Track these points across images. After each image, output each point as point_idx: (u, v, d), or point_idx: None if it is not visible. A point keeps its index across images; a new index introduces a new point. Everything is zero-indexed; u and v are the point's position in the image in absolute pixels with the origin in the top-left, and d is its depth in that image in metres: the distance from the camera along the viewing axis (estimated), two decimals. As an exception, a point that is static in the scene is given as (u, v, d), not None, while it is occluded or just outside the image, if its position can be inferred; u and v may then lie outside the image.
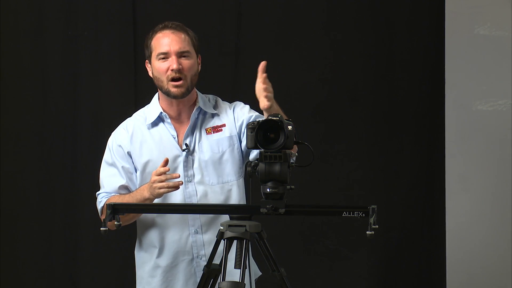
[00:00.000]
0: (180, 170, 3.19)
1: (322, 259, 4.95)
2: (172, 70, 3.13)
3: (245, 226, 2.83)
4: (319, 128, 4.92)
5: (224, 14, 4.86)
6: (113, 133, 3.30)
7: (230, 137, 3.25)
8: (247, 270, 2.85)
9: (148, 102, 4.96)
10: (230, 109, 3.30)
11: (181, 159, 3.20)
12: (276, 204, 2.80)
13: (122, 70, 4.79)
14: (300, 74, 4.93)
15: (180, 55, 3.15)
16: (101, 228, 2.82)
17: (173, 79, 3.15)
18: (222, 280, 2.80)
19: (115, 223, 2.86)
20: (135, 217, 3.22)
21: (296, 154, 2.94)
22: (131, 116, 3.35)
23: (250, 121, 3.10)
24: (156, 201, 3.09)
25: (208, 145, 3.22)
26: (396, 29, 4.96)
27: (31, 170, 4.73)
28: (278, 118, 2.78)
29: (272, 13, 4.90)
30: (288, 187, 2.82)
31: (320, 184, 4.91)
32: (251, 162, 2.84)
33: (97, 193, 3.28)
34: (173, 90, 3.16)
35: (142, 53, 4.72)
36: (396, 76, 4.97)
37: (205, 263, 2.93)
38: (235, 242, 2.83)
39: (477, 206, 4.88)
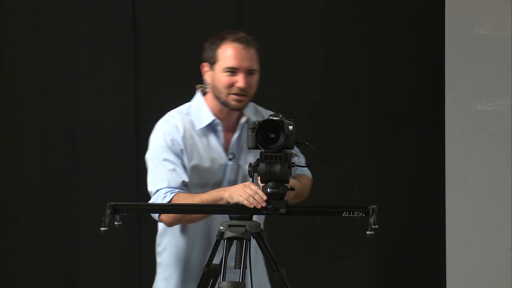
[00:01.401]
0: (226, 179, 3.12)
1: (322, 259, 4.95)
2: (238, 87, 3.05)
3: (245, 226, 2.83)
4: (318, 128, 4.92)
5: (224, 14, 4.86)
6: (161, 128, 3.14)
7: None
8: (247, 270, 2.85)
9: (148, 102, 4.98)
10: None
11: (228, 168, 3.12)
12: (277, 204, 2.81)
13: (122, 70, 4.79)
14: (299, 74, 4.92)
15: (248, 72, 3.07)
16: (101, 228, 2.81)
17: (236, 94, 3.07)
18: (222, 280, 2.80)
19: (115, 223, 2.86)
20: (201, 219, 3.09)
21: (297, 154, 2.92)
22: (167, 115, 3.20)
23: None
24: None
25: (252, 157, 3.12)
26: (396, 29, 4.96)
27: (31, 170, 4.73)
28: (278, 118, 2.78)
29: (272, 13, 4.90)
30: (289, 187, 2.83)
31: (320, 184, 4.91)
32: (252, 162, 2.84)
33: (157, 189, 3.07)
34: (233, 103, 3.07)
35: (142, 53, 4.79)
36: (396, 76, 4.97)
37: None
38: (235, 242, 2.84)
39: (477, 206, 4.88)
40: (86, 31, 4.74)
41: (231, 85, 3.06)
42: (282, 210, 2.82)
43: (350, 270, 4.95)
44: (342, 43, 4.95)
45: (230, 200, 2.92)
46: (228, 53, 3.07)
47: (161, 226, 3.21)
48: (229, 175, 3.13)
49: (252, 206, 2.84)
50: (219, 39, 3.10)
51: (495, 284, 4.86)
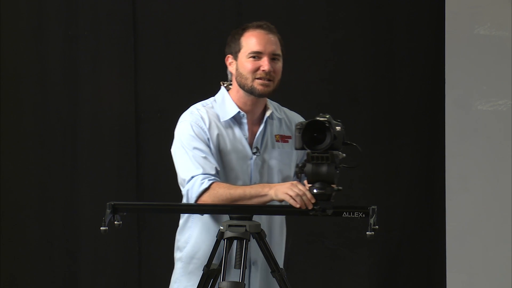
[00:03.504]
0: (249, 173, 3.11)
1: (322, 259, 4.95)
2: (263, 70, 3.06)
3: (245, 226, 2.83)
4: (319, 128, 4.92)
5: (224, 14, 4.86)
6: (187, 119, 3.11)
7: (293, 153, 3.18)
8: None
9: (148, 102, 4.98)
10: (292, 124, 3.21)
11: (250, 162, 3.11)
12: (324, 205, 2.79)
13: (122, 70, 4.79)
14: (300, 74, 4.92)
15: (273, 57, 3.09)
16: (101, 228, 2.81)
17: (261, 79, 3.07)
18: (222, 280, 2.80)
19: (115, 223, 2.85)
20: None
21: (344, 155, 2.89)
22: (191, 107, 3.16)
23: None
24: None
25: (278, 153, 3.15)
26: (396, 29, 4.96)
27: (31, 170, 4.73)
28: (326, 119, 2.77)
29: (272, 13, 4.90)
30: (336, 188, 2.81)
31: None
32: (299, 163, 2.82)
33: (191, 175, 3.01)
34: (259, 88, 3.06)
35: (142, 53, 4.79)
36: (396, 76, 4.97)
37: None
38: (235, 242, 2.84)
39: (477, 206, 4.88)
40: (86, 31, 4.74)
41: (256, 70, 3.07)
42: (329, 211, 2.80)
43: (350, 270, 4.95)
44: (342, 43, 4.95)
45: (274, 198, 2.90)
46: (251, 39, 3.10)
47: (181, 221, 3.18)
48: (253, 169, 3.11)
49: (298, 206, 2.83)
50: (242, 29, 3.13)
51: (495, 284, 4.86)
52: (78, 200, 4.74)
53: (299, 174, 2.82)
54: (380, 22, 4.96)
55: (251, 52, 3.08)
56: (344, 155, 2.86)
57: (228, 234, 2.82)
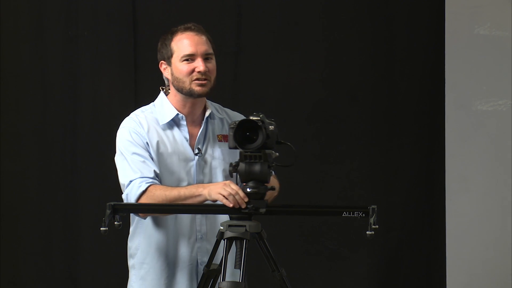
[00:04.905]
0: (192, 174, 3.13)
1: (322, 259, 4.95)
2: (199, 72, 3.09)
3: (245, 226, 2.83)
4: (319, 128, 4.92)
5: (224, 14, 4.86)
6: (126, 125, 3.19)
7: (237, 152, 3.21)
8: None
9: (148, 102, 4.96)
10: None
11: (193, 163, 3.14)
12: (257, 204, 2.81)
13: (122, 70, 4.79)
14: (299, 74, 4.92)
15: (205, 57, 3.12)
16: (101, 228, 2.81)
17: (198, 80, 3.10)
18: (222, 280, 2.80)
19: (115, 223, 2.86)
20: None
21: (277, 154, 2.91)
22: (131, 114, 3.24)
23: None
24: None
25: (220, 153, 3.17)
26: (396, 29, 4.96)
27: (31, 170, 4.74)
28: (259, 118, 2.79)
29: (272, 13, 4.90)
30: (269, 187, 2.83)
31: (320, 184, 4.91)
32: (233, 162, 2.85)
33: (130, 179, 3.08)
34: (197, 88, 3.09)
35: (142, 53, 4.79)
36: (396, 76, 4.97)
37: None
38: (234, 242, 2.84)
39: (477, 206, 4.88)
40: (86, 31, 4.75)
41: (191, 72, 3.10)
42: (262, 210, 2.83)
43: (350, 270, 4.95)
44: (342, 43, 4.95)
45: (208, 197, 2.94)
46: (182, 43, 3.12)
47: (131, 229, 3.24)
48: (196, 170, 3.14)
49: (231, 205, 2.85)
50: (170, 34, 3.15)
51: (495, 284, 4.86)
52: (78, 200, 4.75)
53: (233, 173, 2.84)
54: (380, 22, 4.96)
55: (183, 56, 3.10)
56: (277, 154, 2.88)
57: (228, 234, 2.83)
